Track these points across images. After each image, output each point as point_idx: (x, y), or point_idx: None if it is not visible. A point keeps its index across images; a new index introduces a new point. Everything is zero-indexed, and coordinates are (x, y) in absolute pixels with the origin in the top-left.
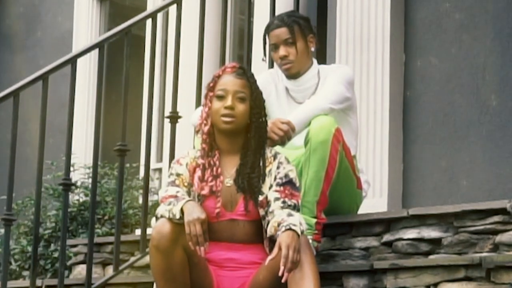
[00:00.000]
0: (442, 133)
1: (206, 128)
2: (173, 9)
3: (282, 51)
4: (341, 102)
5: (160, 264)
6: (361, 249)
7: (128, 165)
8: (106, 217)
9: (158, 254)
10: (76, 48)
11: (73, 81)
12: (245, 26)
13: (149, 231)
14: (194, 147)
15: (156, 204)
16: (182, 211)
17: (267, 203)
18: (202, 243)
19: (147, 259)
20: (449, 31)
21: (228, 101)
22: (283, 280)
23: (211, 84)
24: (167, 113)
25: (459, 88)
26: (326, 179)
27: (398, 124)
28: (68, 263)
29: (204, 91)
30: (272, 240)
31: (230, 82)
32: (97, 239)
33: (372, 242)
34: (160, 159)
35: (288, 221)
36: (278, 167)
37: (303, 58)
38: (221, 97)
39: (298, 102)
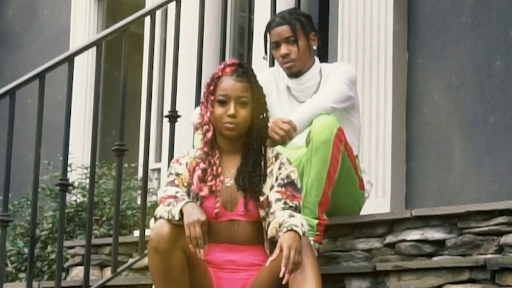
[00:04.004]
0: (446, 132)
1: (209, 134)
2: (172, 6)
3: (283, 49)
4: (343, 101)
5: (159, 266)
6: (364, 250)
7: (126, 165)
8: (104, 218)
9: (157, 255)
10: (73, 46)
11: (70, 80)
12: (245, 23)
13: (147, 232)
14: (193, 147)
15: (155, 205)
16: (181, 212)
17: (268, 204)
18: (202, 245)
19: (145, 261)
20: (453, 29)
21: (231, 109)
22: (284, 282)
23: (212, 87)
24: (166, 112)
25: (463, 86)
26: (328, 179)
27: (401, 123)
28: (65, 265)
29: (203, 89)
30: (273, 242)
31: (231, 86)
32: (94, 241)
33: (374, 243)
34: (159, 159)
35: (289, 222)
36: (279, 168)
37: (304, 57)
38: (222, 102)
39: (300, 101)
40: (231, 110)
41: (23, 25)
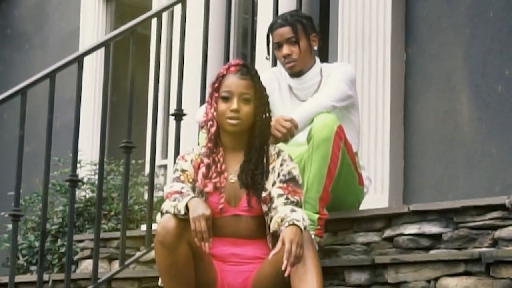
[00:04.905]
0: (443, 130)
1: (213, 129)
2: (178, 8)
3: (285, 49)
4: (343, 99)
5: (165, 259)
6: (363, 244)
7: (133, 161)
8: (112, 213)
9: (163, 249)
10: (82, 47)
11: (79, 79)
12: (249, 25)
13: (154, 226)
14: (198, 144)
15: (161, 200)
16: (187, 207)
17: (270, 200)
18: (207, 239)
19: (152, 254)
20: (449, 30)
21: (234, 104)
22: (286, 274)
23: (216, 85)
24: (172, 111)
25: (459, 86)
26: (329, 175)
27: (399, 121)
28: (75, 258)
29: (208, 89)
30: (275, 236)
31: (234, 83)
32: (103, 235)
33: (373, 237)
34: (165, 155)
35: (291, 216)
36: (281, 164)
37: (306, 57)
38: (226, 99)
39: (301, 100)
40: (234, 105)
41: (34, 26)
